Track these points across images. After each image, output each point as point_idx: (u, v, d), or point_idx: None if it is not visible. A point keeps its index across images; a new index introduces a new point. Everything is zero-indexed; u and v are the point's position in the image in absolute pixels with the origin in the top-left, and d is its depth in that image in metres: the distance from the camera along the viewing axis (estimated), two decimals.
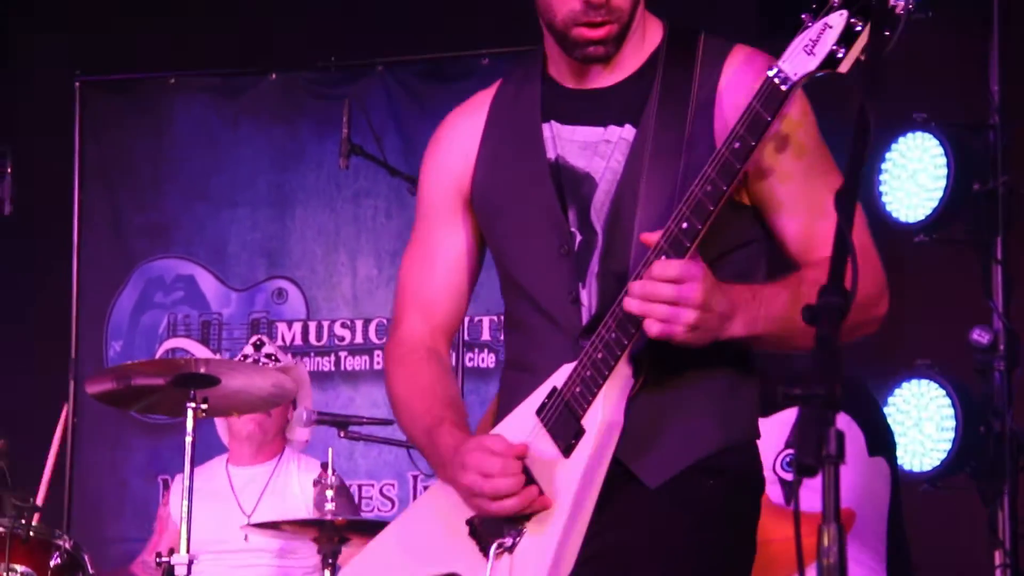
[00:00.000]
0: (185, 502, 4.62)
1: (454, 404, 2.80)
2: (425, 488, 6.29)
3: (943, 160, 5.26)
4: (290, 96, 7.26)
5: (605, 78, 2.74)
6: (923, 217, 5.33)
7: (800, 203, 2.64)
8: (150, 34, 7.26)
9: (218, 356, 6.90)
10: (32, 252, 7.27)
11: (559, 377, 2.63)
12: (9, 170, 6.06)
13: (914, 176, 5.33)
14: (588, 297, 2.67)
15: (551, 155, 2.73)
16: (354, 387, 7.05)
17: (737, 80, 2.64)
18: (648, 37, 2.75)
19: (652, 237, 2.53)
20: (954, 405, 5.23)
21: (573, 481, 2.59)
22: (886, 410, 5.27)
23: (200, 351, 7.12)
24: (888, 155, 5.35)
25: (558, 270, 2.69)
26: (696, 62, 2.68)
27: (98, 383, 4.90)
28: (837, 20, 2.45)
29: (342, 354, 7.12)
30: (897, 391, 5.35)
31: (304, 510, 5.44)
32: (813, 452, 1.95)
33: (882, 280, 2.69)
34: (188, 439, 4.66)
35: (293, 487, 5.63)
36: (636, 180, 2.64)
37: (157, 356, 7.09)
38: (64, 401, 5.63)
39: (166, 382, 4.72)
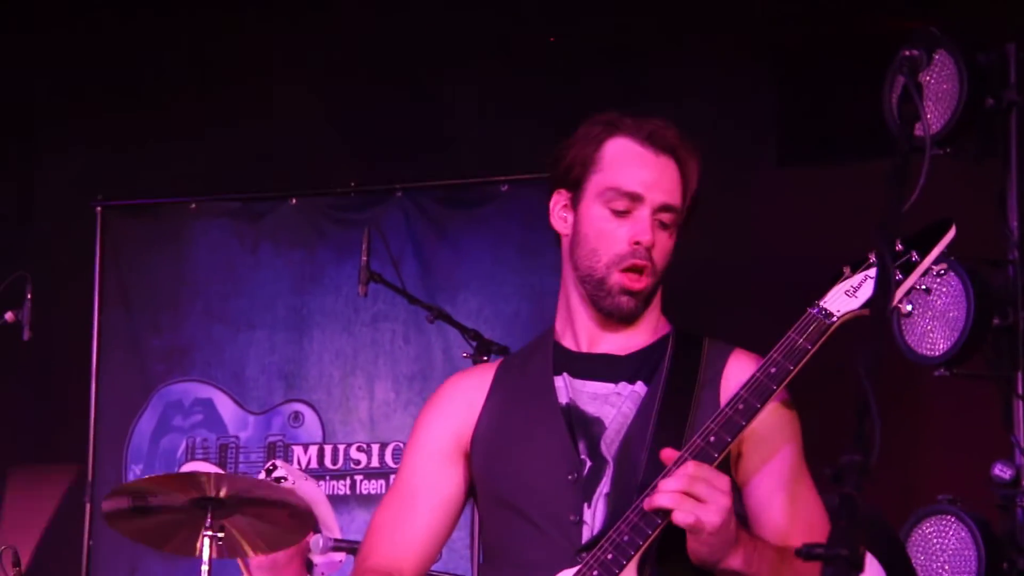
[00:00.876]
0: None
1: None
2: None
3: (963, 295, 5.27)
4: (309, 220, 7.31)
5: (618, 348, 2.86)
6: (943, 351, 5.31)
7: (783, 500, 2.76)
8: (171, 159, 7.34)
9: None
10: (51, 375, 7.30)
11: None
12: (29, 296, 6.08)
13: (932, 309, 5.33)
14: (592, 517, 2.72)
15: (563, 400, 2.82)
16: (370, 511, 7.01)
17: (742, 370, 2.79)
18: (660, 327, 2.90)
19: (674, 453, 2.63)
20: (976, 542, 5.19)
21: None
22: (907, 546, 5.22)
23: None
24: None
25: (564, 494, 2.74)
26: (703, 352, 2.85)
27: (113, 501, 4.85)
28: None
29: (358, 478, 7.11)
30: (918, 528, 5.31)
31: None
32: None
33: None
34: (205, 568, 4.64)
35: None
36: (646, 424, 2.75)
37: None
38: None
39: (185, 502, 4.67)
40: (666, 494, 2.56)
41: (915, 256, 2.67)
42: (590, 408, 2.80)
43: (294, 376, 7.24)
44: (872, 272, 2.68)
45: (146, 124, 7.39)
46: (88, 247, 7.38)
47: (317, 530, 5.60)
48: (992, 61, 5.36)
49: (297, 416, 7.21)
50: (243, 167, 7.32)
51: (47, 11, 7.38)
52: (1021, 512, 5.23)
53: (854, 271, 2.70)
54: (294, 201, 7.34)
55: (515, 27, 6.84)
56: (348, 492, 7.10)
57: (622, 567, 2.60)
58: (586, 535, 2.70)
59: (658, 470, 2.64)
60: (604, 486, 2.73)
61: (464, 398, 2.92)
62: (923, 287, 2.72)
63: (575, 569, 2.64)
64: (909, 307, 2.71)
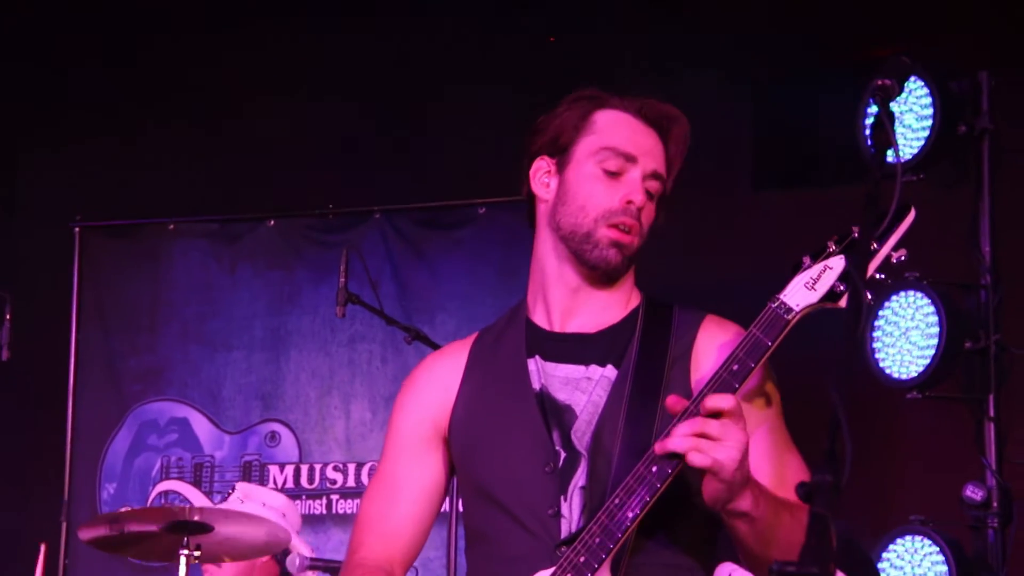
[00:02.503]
0: None
1: None
2: None
3: (935, 318, 5.31)
4: (287, 242, 7.33)
5: (589, 324, 2.85)
6: (916, 374, 5.35)
7: (762, 458, 2.73)
8: (149, 181, 7.36)
9: (209, 501, 6.88)
10: (28, 394, 7.30)
11: None
12: (8, 316, 6.08)
13: (907, 334, 5.37)
14: (569, 510, 2.73)
15: (536, 386, 2.82)
16: (346, 531, 7.03)
17: (712, 340, 2.81)
18: (630, 299, 2.89)
19: (681, 402, 2.62)
20: (947, 562, 5.23)
21: None
22: (880, 565, 5.27)
23: (193, 494, 7.12)
24: (881, 313, 5.40)
25: (541, 486, 2.75)
26: (672, 323, 2.84)
27: (91, 529, 4.88)
28: (837, 263, 2.68)
29: (334, 497, 7.12)
30: (892, 546, 5.35)
31: None
32: None
33: None
34: None
35: None
36: (616, 413, 2.75)
37: (150, 499, 7.10)
38: (42, 541, 5.56)
39: (159, 528, 4.72)
40: (679, 438, 2.54)
41: (874, 244, 2.65)
42: (561, 395, 2.80)
43: (271, 396, 7.25)
44: (831, 262, 2.68)
45: (125, 145, 7.41)
46: (66, 267, 7.40)
47: (287, 550, 5.61)
48: (964, 89, 5.42)
49: (274, 436, 7.22)
50: (221, 188, 7.34)
51: (23, 33, 7.39)
52: (992, 533, 5.28)
53: (814, 260, 2.69)
54: (272, 222, 7.35)
55: (490, 51, 6.88)
56: (324, 512, 7.11)
57: (593, 571, 2.61)
58: (564, 529, 2.71)
59: (632, 460, 2.64)
60: (580, 479, 2.74)
61: (439, 383, 2.92)
62: (884, 276, 2.68)
63: (550, 571, 2.65)
64: (869, 296, 2.62)
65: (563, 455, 2.76)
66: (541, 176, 2.87)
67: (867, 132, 5.00)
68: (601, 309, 2.85)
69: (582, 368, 2.81)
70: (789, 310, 2.66)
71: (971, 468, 5.31)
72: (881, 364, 5.41)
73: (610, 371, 2.80)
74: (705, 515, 2.69)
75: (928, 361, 5.32)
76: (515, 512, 2.76)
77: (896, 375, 5.39)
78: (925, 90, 5.39)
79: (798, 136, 6.59)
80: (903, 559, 5.34)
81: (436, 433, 2.90)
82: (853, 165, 5.59)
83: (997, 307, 5.32)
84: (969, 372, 5.36)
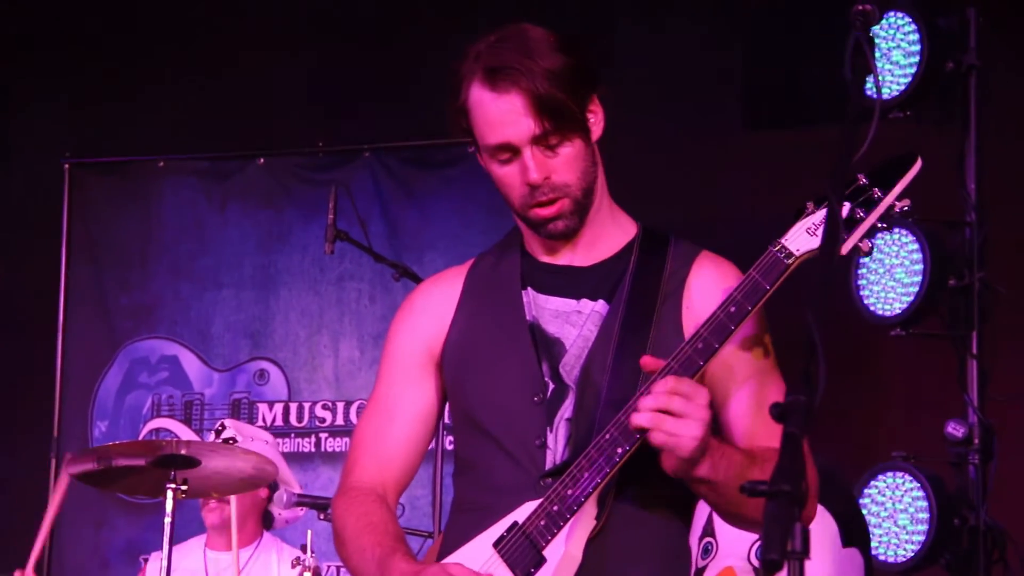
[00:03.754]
0: None
1: (405, 542, 2.84)
2: None
3: (919, 256, 5.32)
4: (277, 180, 7.33)
5: (582, 257, 2.86)
6: (899, 311, 5.37)
7: (752, 403, 2.76)
8: (140, 118, 7.35)
9: (199, 438, 6.92)
10: (18, 331, 7.31)
11: (520, 513, 2.70)
12: None
13: (891, 271, 5.39)
14: (555, 442, 2.75)
15: (528, 317, 2.84)
16: (334, 468, 7.07)
17: (705, 277, 2.82)
18: (624, 230, 2.89)
19: (656, 362, 2.64)
20: (928, 497, 5.26)
21: None
22: (861, 501, 5.30)
23: (183, 431, 7.14)
24: None
25: (529, 416, 2.77)
26: (667, 257, 2.84)
27: (79, 464, 4.90)
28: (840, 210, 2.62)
29: (323, 435, 7.15)
30: (873, 483, 5.38)
31: None
32: (778, 548, 1.99)
33: (816, 484, 2.76)
34: (167, 520, 4.66)
35: (271, 574, 5.63)
36: (606, 348, 2.76)
37: (141, 436, 7.13)
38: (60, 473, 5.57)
39: (147, 463, 4.73)
40: (644, 414, 2.56)
41: (878, 192, 2.65)
42: (551, 328, 2.81)
43: (260, 334, 7.27)
44: None
45: (115, 83, 7.40)
46: (56, 204, 7.40)
47: (275, 486, 5.65)
48: (952, 25, 5.41)
49: (263, 374, 7.24)
50: (211, 126, 7.33)
51: None
52: (973, 470, 5.31)
53: (817, 206, 2.69)
54: (262, 161, 7.36)
55: None
56: (313, 450, 7.15)
57: (580, 505, 2.65)
58: (549, 460, 2.74)
59: (620, 393, 2.68)
60: (566, 411, 2.76)
61: (435, 309, 2.92)
62: (885, 226, 2.67)
63: (537, 502, 2.68)
64: (871, 244, 2.66)
65: (551, 387, 2.78)
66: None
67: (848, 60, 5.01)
68: (589, 245, 2.86)
69: (573, 302, 2.83)
70: (790, 255, 2.66)
71: (953, 405, 5.33)
72: (865, 301, 5.42)
73: (601, 306, 2.81)
74: None
75: (912, 298, 5.34)
76: (502, 441, 2.78)
77: (880, 312, 5.41)
78: (913, 26, 5.38)
79: (789, 75, 6.58)
80: (884, 495, 5.37)
81: (430, 358, 2.91)
82: (845, 104, 5.58)
83: (982, 245, 5.33)
84: (953, 310, 5.37)
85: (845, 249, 2.66)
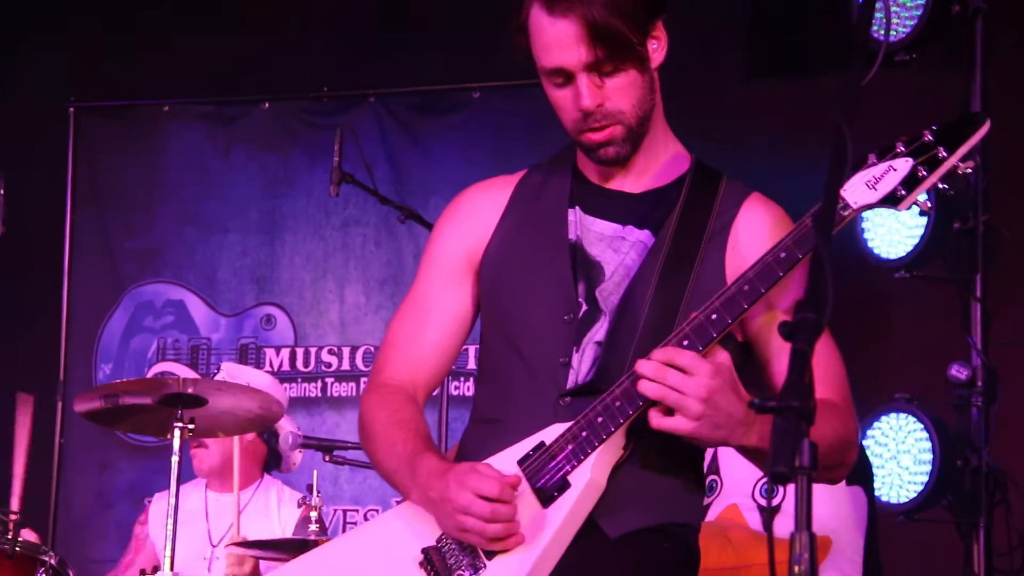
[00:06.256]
0: (170, 521, 4.63)
1: (433, 441, 2.86)
2: None
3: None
4: (283, 125, 7.33)
5: (632, 184, 2.86)
6: (904, 254, 5.40)
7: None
8: (145, 61, 7.35)
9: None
10: (23, 274, 7.33)
11: (548, 434, 2.71)
12: (2, 191, 6.10)
13: (895, 214, 5.40)
14: (579, 362, 2.76)
15: (572, 236, 2.84)
16: (340, 413, 7.10)
17: (754, 219, 2.80)
18: (677, 163, 2.88)
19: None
20: (932, 439, 5.29)
21: (548, 530, 2.67)
22: (865, 442, 5.33)
23: (189, 375, 7.16)
24: None
25: (557, 334, 2.78)
26: (718, 195, 2.83)
27: (86, 401, 4.91)
28: (902, 165, 2.61)
29: (329, 380, 7.17)
30: (876, 424, 5.41)
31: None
32: (786, 461, 2.01)
33: (855, 430, 2.78)
34: (175, 459, 4.66)
35: (271, 516, 5.64)
36: (648, 279, 2.76)
37: None
38: (21, 392, 5.55)
39: (154, 401, 4.75)
40: (653, 384, 2.56)
41: (943, 152, 2.60)
42: (594, 250, 2.82)
43: (266, 279, 7.28)
44: (896, 163, 2.62)
45: (120, 26, 7.39)
46: (61, 148, 7.40)
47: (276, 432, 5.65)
48: None
49: (269, 319, 7.26)
50: (217, 70, 7.32)
51: None
52: (976, 412, 5.34)
53: (880, 159, 2.63)
54: (267, 105, 7.36)
55: None
56: (319, 395, 7.16)
57: (610, 433, 2.65)
58: (571, 379, 2.75)
59: (657, 326, 2.68)
60: (597, 333, 2.77)
61: (480, 216, 2.91)
62: (948, 187, 2.63)
63: (566, 425, 2.69)
64: (929, 204, 2.62)
65: (584, 308, 2.78)
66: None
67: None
68: (641, 172, 2.86)
69: (619, 227, 2.83)
70: (846, 206, 2.63)
71: (957, 348, 5.36)
72: (870, 244, 5.45)
73: (647, 236, 2.81)
74: None
75: (916, 241, 5.36)
76: (527, 356, 2.79)
77: (884, 255, 5.43)
78: None
79: (792, 23, 6.56)
80: (888, 436, 5.41)
81: (470, 264, 2.91)
82: (848, 52, 5.58)
83: (986, 188, 5.35)
84: (957, 252, 5.40)
85: (904, 207, 2.63)
